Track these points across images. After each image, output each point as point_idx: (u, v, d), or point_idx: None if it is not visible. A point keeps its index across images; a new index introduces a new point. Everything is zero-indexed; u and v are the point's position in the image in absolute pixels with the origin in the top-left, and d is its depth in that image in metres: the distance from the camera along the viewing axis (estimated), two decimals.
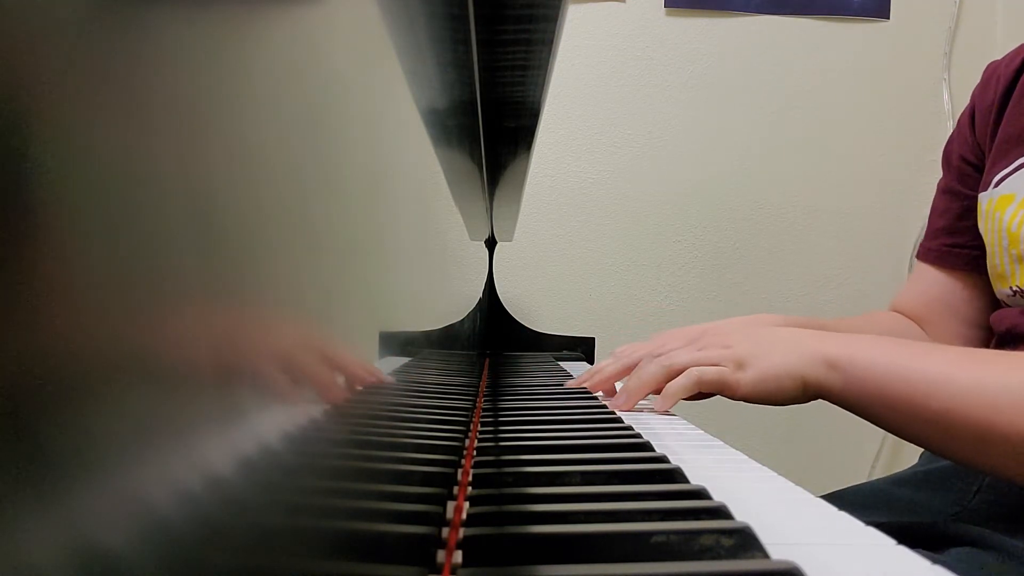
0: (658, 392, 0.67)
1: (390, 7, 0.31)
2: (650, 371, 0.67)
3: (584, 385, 0.80)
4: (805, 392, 0.59)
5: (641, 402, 0.69)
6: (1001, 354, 0.54)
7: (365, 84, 0.27)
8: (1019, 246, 0.73)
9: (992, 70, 0.86)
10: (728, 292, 1.58)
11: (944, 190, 0.90)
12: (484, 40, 0.44)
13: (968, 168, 0.86)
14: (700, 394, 0.67)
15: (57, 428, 0.08)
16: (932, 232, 0.90)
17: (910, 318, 0.91)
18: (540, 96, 0.57)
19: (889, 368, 0.55)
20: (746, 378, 0.62)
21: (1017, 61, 0.82)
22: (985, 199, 0.80)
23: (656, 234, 1.58)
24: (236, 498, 0.13)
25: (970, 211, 0.84)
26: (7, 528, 0.08)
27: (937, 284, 0.89)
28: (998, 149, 0.80)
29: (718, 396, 0.66)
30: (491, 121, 0.61)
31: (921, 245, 0.92)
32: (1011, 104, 0.80)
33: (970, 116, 0.87)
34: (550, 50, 0.47)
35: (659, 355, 0.68)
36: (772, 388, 0.60)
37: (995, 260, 0.78)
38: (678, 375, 0.65)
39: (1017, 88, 0.80)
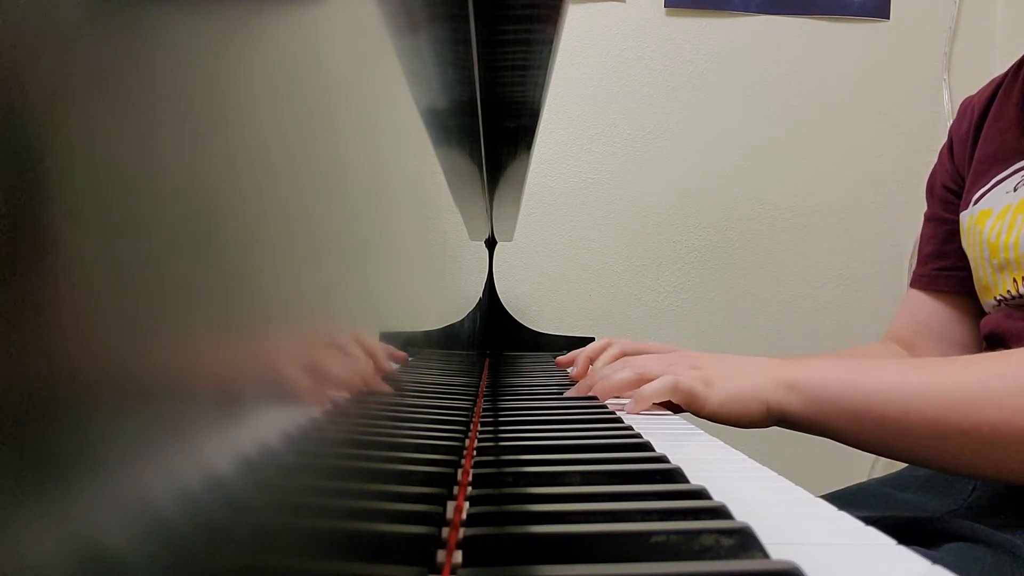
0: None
1: (390, 7, 0.31)
2: (623, 375, 0.70)
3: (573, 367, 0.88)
4: (768, 415, 0.62)
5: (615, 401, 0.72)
6: (951, 359, 0.57)
7: (365, 84, 0.27)
8: (999, 255, 0.76)
9: (967, 104, 0.92)
10: (728, 292, 1.58)
11: (929, 218, 0.95)
12: (484, 40, 0.44)
13: (950, 196, 0.91)
14: (669, 407, 0.70)
15: (60, 429, 0.08)
16: (922, 259, 0.96)
17: (902, 346, 0.96)
18: (540, 96, 0.57)
19: (845, 382, 0.58)
20: (714, 395, 0.64)
21: (988, 91, 0.87)
22: (966, 217, 0.84)
23: (656, 234, 1.58)
24: (237, 498, 0.13)
25: (954, 234, 0.89)
26: (8, 528, 0.08)
27: (926, 308, 0.94)
28: (975, 171, 0.84)
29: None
30: (491, 121, 0.61)
31: (913, 273, 0.97)
32: (985, 128, 0.85)
33: (949, 148, 0.93)
34: (550, 50, 0.47)
35: (631, 362, 0.72)
36: (738, 409, 0.63)
37: (979, 273, 0.81)
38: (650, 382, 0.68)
39: (990, 114, 0.85)
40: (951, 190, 0.91)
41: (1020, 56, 0.84)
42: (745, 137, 1.58)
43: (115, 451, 0.10)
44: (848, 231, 1.59)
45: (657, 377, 0.67)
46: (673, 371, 0.67)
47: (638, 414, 0.69)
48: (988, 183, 0.81)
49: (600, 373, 0.75)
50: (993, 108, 0.85)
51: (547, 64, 0.50)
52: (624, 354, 0.87)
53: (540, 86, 0.54)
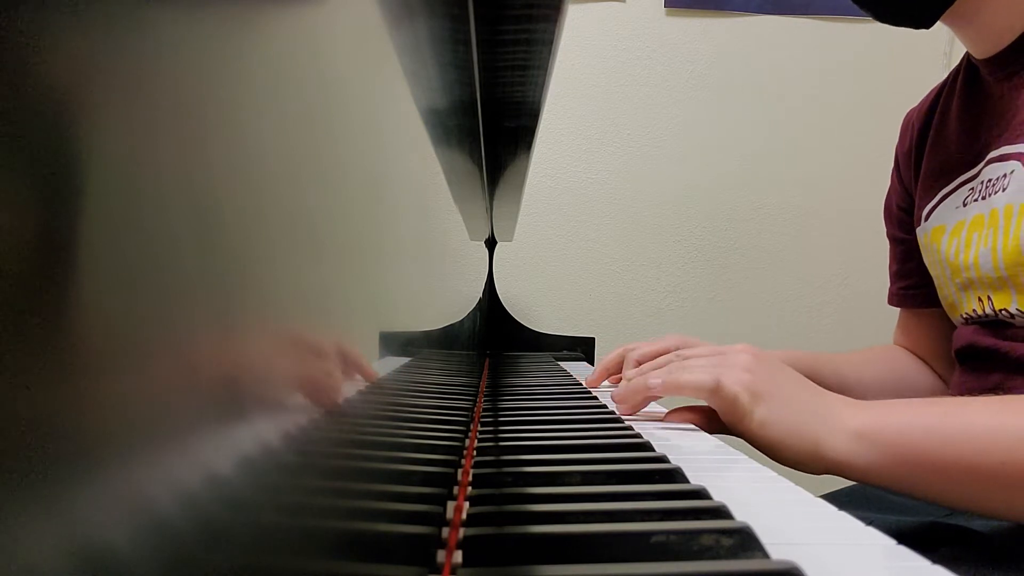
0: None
1: (390, 7, 0.31)
2: (657, 372, 0.62)
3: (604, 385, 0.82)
4: (816, 461, 0.53)
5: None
6: None
7: (365, 84, 0.27)
8: (961, 275, 0.74)
9: (907, 119, 0.91)
10: (728, 292, 1.58)
11: (890, 238, 0.96)
12: (484, 40, 0.44)
13: (903, 215, 0.91)
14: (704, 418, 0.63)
15: (61, 428, 0.08)
16: (891, 278, 0.96)
17: (910, 352, 0.96)
18: (540, 96, 0.57)
19: (927, 429, 0.49)
20: (759, 413, 0.55)
21: (927, 103, 0.86)
22: (921, 234, 0.84)
23: (656, 234, 1.58)
24: (237, 498, 0.13)
25: (911, 253, 0.89)
26: (8, 528, 0.08)
27: (914, 323, 0.94)
28: (923, 185, 0.83)
29: None
30: (491, 121, 0.61)
31: (888, 291, 0.97)
32: (928, 142, 0.84)
33: (896, 168, 0.93)
34: (550, 50, 0.47)
35: (672, 364, 0.64)
36: (780, 438, 0.54)
37: (944, 291, 0.80)
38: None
39: (932, 127, 0.84)
40: (903, 208, 0.91)
41: (955, 66, 0.82)
42: (745, 137, 1.58)
43: (116, 451, 0.10)
44: (848, 231, 1.58)
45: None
46: (719, 373, 0.58)
47: (667, 421, 0.63)
48: (935, 197, 0.80)
49: (630, 375, 0.67)
50: (935, 121, 0.83)
51: (547, 64, 0.50)
52: (634, 359, 0.83)
53: (540, 86, 0.54)
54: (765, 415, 0.55)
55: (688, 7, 1.56)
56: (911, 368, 0.93)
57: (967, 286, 0.74)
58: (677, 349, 0.82)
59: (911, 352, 0.95)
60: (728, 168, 1.58)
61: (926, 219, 0.82)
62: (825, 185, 1.59)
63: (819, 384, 0.63)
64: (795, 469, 0.54)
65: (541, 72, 0.51)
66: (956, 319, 0.79)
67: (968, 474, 0.48)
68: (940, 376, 0.92)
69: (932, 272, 0.82)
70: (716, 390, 0.57)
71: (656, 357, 0.79)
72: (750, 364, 0.59)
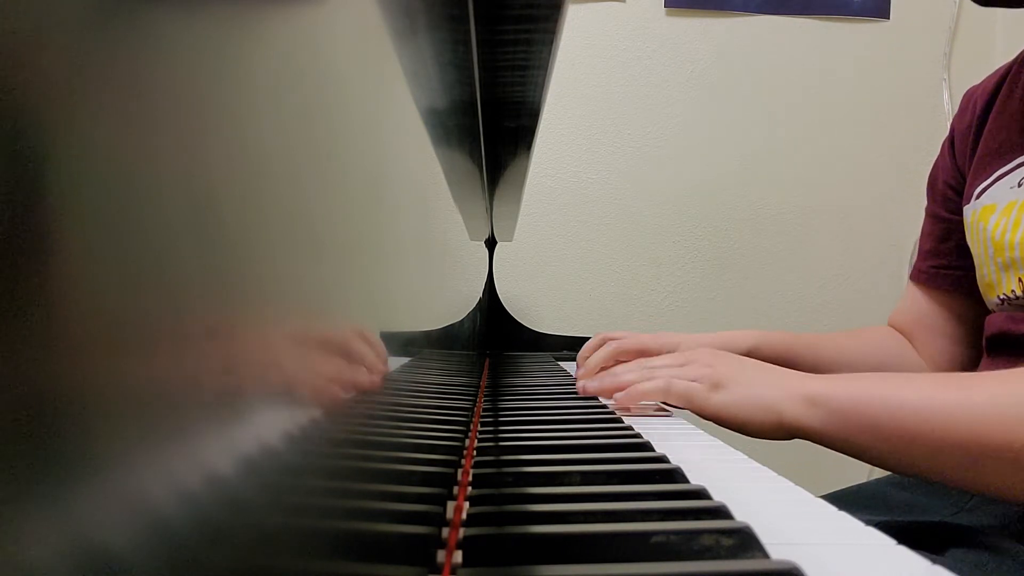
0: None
1: (390, 7, 0.31)
2: (629, 377, 0.71)
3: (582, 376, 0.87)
4: (780, 428, 0.60)
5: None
6: (984, 374, 0.54)
7: (365, 84, 0.27)
8: (1004, 254, 0.74)
9: (969, 95, 0.89)
10: (728, 292, 1.58)
11: (929, 214, 0.94)
12: (484, 40, 0.44)
13: (950, 192, 0.90)
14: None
15: (61, 428, 0.08)
16: (921, 254, 0.95)
17: (902, 334, 0.96)
18: (540, 96, 0.57)
19: (870, 396, 0.55)
20: (717, 398, 0.63)
21: (992, 82, 0.85)
22: (969, 212, 0.83)
23: (656, 234, 1.58)
24: (236, 498, 0.13)
25: (951, 233, 0.89)
26: (8, 528, 0.08)
27: (924, 303, 0.93)
28: (978, 164, 0.82)
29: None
30: (491, 121, 0.61)
31: (913, 266, 0.96)
32: (989, 121, 0.83)
33: (950, 142, 0.91)
34: (550, 50, 0.47)
35: (645, 363, 0.72)
36: (744, 415, 0.61)
37: (983, 271, 0.80)
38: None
39: (995, 106, 0.83)
40: (951, 187, 0.89)
41: None
42: (745, 137, 1.58)
43: (115, 451, 0.10)
44: (848, 231, 1.58)
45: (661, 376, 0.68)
46: (683, 372, 0.67)
47: (627, 410, 0.70)
48: (990, 177, 0.79)
49: (611, 372, 0.76)
50: (997, 101, 0.82)
51: (547, 64, 0.50)
52: (619, 353, 0.87)
53: (540, 86, 0.54)
54: (727, 398, 0.63)
55: (688, 7, 1.56)
56: (897, 352, 0.93)
57: (1008, 266, 0.74)
58: (660, 347, 0.88)
59: (911, 333, 0.94)
60: (728, 168, 1.58)
61: (977, 198, 0.81)
62: (825, 185, 1.59)
63: (792, 363, 0.72)
64: (763, 439, 0.62)
65: (541, 72, 0.51)
66: (991, 300, 0.79)
67: (902, 439, 0.53)
68: (932, 363, 0.92)
69: (973, 251, 0.81)
70: (667, 392, 0.66)
71: (635, 351, 0.88)
72: (710, 360, 0.68)
